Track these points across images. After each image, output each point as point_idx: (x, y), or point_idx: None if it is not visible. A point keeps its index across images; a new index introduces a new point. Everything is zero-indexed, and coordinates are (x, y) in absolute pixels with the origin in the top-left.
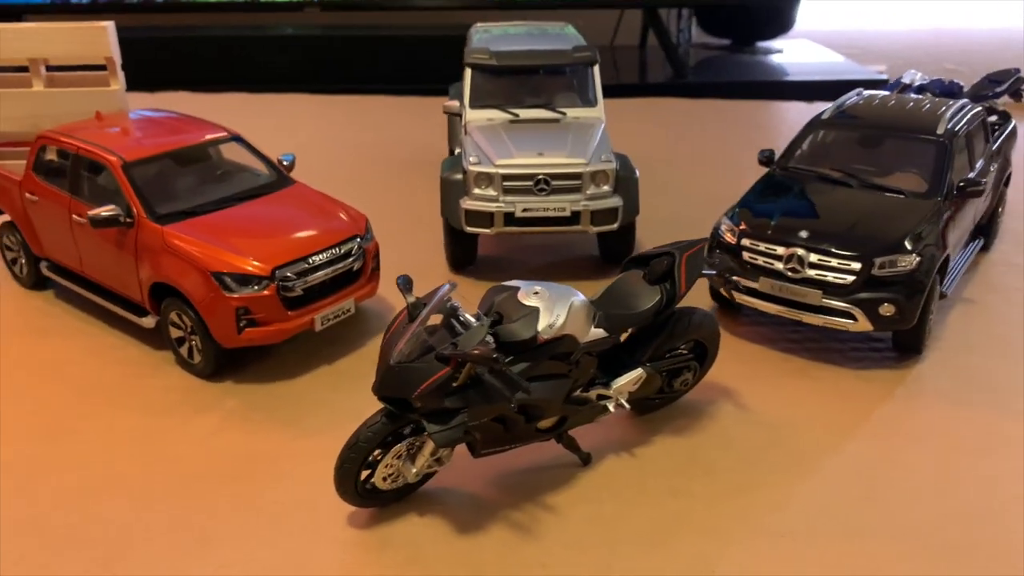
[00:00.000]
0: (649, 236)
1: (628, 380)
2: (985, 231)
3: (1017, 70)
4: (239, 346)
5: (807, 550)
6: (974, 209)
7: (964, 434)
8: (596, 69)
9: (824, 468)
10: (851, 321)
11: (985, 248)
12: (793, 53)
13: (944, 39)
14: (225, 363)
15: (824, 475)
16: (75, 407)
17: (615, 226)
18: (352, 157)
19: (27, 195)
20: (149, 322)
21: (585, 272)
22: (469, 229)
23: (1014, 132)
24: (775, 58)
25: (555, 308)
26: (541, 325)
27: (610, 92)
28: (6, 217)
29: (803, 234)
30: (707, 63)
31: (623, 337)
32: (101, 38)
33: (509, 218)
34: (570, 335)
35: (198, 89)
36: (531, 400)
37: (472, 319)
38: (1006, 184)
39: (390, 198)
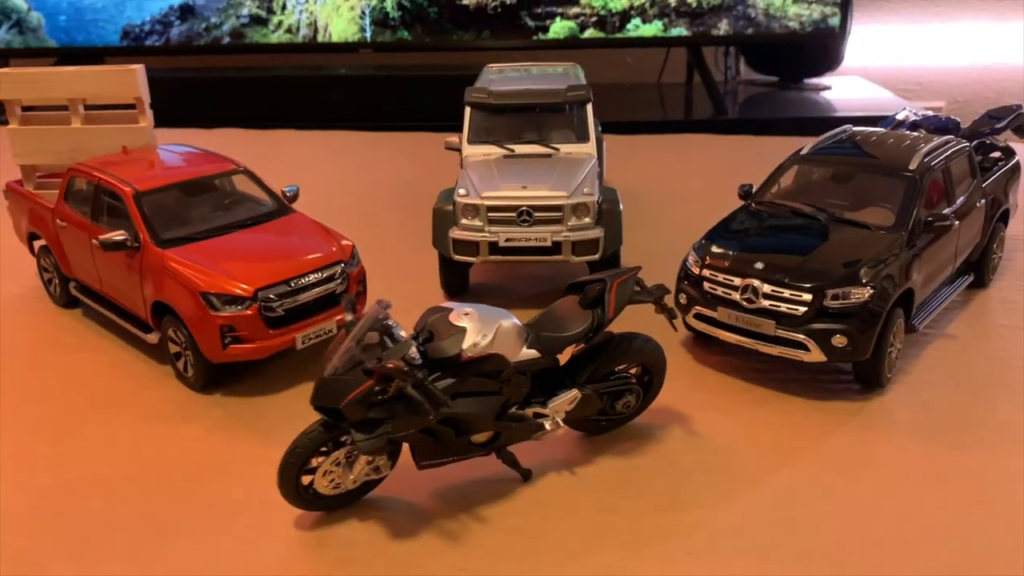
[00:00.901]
0: (658, 270)
1: (563, 400)
2: (976, 267)
3: (1019, 106)
4: (225, 361)
5: (713, 569)
6: (954, 245)
7: (907, 465)
8: (589, 108)
9: (754, 493)
10: (804, 352)
11: (980, 284)
12: (842, 89)
13: (1005, 74)
14: (215, 378)
15: (751, 499)
16: (81, 412)
17: (596, 256)
18: (390, 189)
19: (58, 221)
20: (153, 338)
21: (548, 299)
22: (457, 257)
23: (1016, 168)
24: (823, 95)
25: (483, 328)
26: (466, 344)
27: (655, 128)
28: (43, 242)
29: (759, 265)
30: (754, 100)
31: (563, 359)
32: (131, 79)
33: (494, 247)
34: (498, 354)
35: (251, 126)
36: (457, 414)
37: (404, 337)
38: (1003, 221)
39: (417, 231)
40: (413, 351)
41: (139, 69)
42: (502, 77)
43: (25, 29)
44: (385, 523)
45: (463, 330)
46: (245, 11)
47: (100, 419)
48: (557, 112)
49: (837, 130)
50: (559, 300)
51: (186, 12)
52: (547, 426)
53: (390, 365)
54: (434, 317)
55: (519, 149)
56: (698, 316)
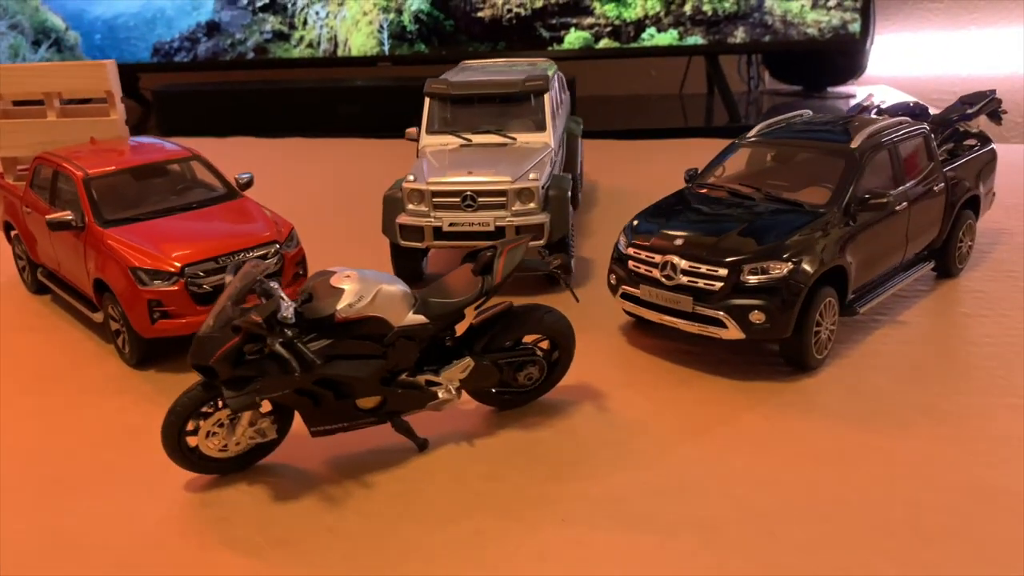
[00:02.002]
0: None
1: (456, 368)
2: (939, 255)
3: (992, 91)
4: (155, 336)
5: (581, 536)
6: (904, 228)
7: (814, 444)
8: (546, 97)
9: (645, 465)
10: (722, 328)
11: (948, 274)
12: (884, 102)
13: None
14: (150, 354)
15: (640, 472)
16: (22, 386)
17: (542, 242)
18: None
19: (24, 208)
20: (98, 316)
21: (529, 289)
22: (403, 243)
23: (991, 155)
24: (849, 102)
25: (361, 291)
26: (341, 304)
27: (676, 134)
28: (14, 232)
29: (678, 242)
30: (777, 109)
31: (461, 328)
32: (102, 74)
33: (438, 232)
34: (379, 317)
35: (270, 136)
36: (332, 375)
37: (282, 296)
38: (972, 207)
39: None
40: (289, 312)
41: (110, 64)
42: (469, 70)
43: (63, 47)
44: (270, 487)
45: (341, 291)
46: (268, 27)
47: (38, 392)
48: (515, 102)
49: (792, 113)
50: (455, 269)
51: (212, 29)
52: (440, 395)
53: (251, 318)
54: (318, 279)
55: (476, 139)
56: (624, 295)
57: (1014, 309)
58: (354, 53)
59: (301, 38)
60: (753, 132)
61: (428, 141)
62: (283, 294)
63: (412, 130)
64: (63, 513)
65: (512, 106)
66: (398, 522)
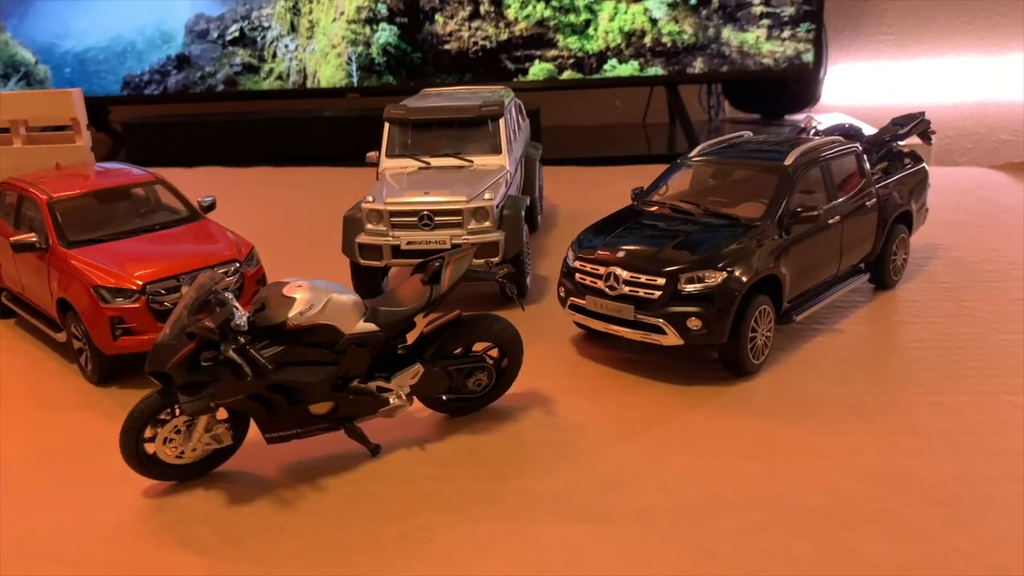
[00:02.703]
0: None
1: (407, 374)
2: (874, 267)
3: (922, 113)
4: (116, 352)
5: (521, 528)
6: (838, 241)
7: (750, 440)
8: (501, 122)
9: (588, 464)
10: (662, 335)
11: (883, 286)
12: (824, 124)
13: (994, 109)
14: (112, 372)
15: (581, 469)
16: None
17: (497, 259)
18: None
19: None
20: (61, 336)
21: (484, 303)
22: (363, 262)
23: (923, 174)
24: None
25: (312, 299)
26: (292, 312)
27: (640, 161)
28: None
29: (620, 254)
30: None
31: (412, 337)
32: (67, 101)
33: (396, 250)
34: (330, 325)
35: (239, 165)
36: (284, 381)
37: (235, 305)
38: (905, 223)
39: None
40: (242, 320)
41: (75, 92)
42: (428, 97)
43: (32, 81)
44: (225, 492)
45: (292, 300)
46: (238, 60)
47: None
48: (472, 127)
49: (734, 135)
50: (406, 279)
51: (182, 62)
52: (392, 400)
53: (205, 324)
54: (271, 289)
55: (435, 162)
56: (572, 307)
57: (943, 317)
58: (323, 85)
59: (271, 70)
60: (695, 151)
61: (388, 164)
62: (236, 303)
63: (372, 154)
64: (21, 520)
65: (469, 130)
66: (347, 520)
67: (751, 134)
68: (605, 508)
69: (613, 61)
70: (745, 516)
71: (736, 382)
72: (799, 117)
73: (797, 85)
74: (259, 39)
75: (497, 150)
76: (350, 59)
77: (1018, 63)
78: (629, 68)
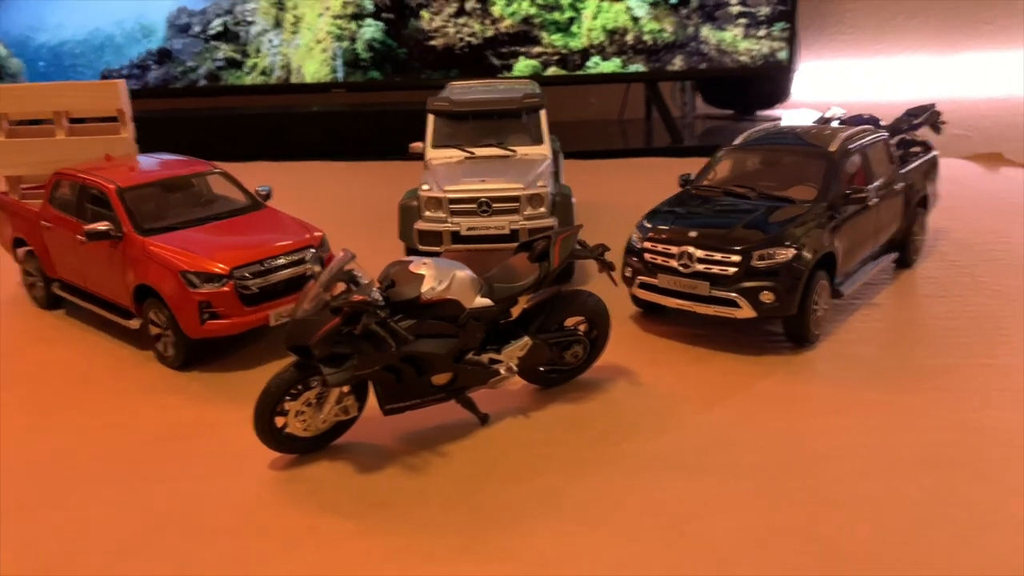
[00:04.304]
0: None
1: (516, 347)
2: (900, 247)
3: (933, 104)
4: (203, 336)
5: (647, 484)
6: (875, 221)
7: (824, 402)
8: (543, 113)
9: (687, 427)
10: (736, 308)
11: (906, 264)
12: (792, 120)
13: (946, 106)
14: (193, 356)
15: (684, 432)
16: (66, 391)
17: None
18: (363, 207)
19: (43, 223)
20: (135, 323)
21: None
22: (422, 248)
23: (934, 160)
24: (775, 124)
25: (439, 276)
26: (424, 288)
27: (616, 155)
28: (27, 248)
29: (692, 234)
30: (711, 131)
31: (515, 311)
32: (113, 92)
33: (456, 236)
34: (455, 300)
35: (225, 160)
36: (418, 352)
37: (367, 282)
38: (922, 206)
39: (386, 235)
40: (377, 296)
41: (120, 83)
42: (460, 90)
43: (4, 74)
44: (352, 462)
45: (421, 277)
46: (221, 55)
47: (84, 396)
48: (513, 118)
49: (768, 124)
50: (511, 257)
51: (163, 56)
52: (502, 371)
53: (356, 298)
54: (395, 268)
55: (479, 152)
56: (642, 285)
57: (965, 291)
58: (308, 80)
59: (254, 66)
60: (740, 140)
61: (433, 154)
62: (366, 281)
63: (417, 144)
64: (150, 500)
65: (510, 121)
66: (480, 483)
67: (781, 122)
68: (716, 465)
69: (596, 58)
70: (847, 465)
71: (799, 352)
72: (773, 113)
73: (769, 82)
74: (243, 34)
75: (539, 140)
76: (335, 54)
77: (968, 62)
78: (612, 65)
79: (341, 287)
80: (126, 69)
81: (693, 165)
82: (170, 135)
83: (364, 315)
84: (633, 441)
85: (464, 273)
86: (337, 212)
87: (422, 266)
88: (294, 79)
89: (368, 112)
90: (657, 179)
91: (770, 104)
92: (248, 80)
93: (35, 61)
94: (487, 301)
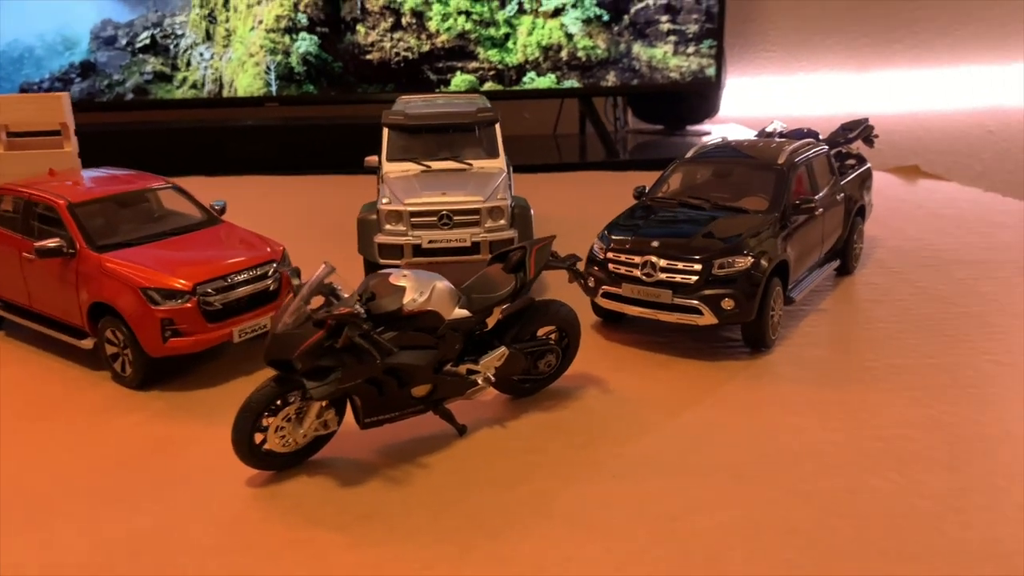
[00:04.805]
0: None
1: (493, 357)
2: (841, 255)
3: (866, 119)
4: (165, 355)
5: (633, 485)
6: (821, 230)
7: (790, 402)
8: (497, 127)
9: (662, 428)
10: (699, 315)
11: (847, 271)
12: (720, 135)
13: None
14: (152, 375)
15: (660, 433)
16: (18, 414)
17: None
18: (304, 222)
19: None
20: (88, 343)
21: None
22: (383, 261)
23: (868, 172)
24: (704, 139)
25: (420, 287)
26: (406, 299)
27: (552, 168)
28: None
29: (655, 244)
30: (643, 145)
31: (491, 322)
32: (56, 106)
33: (417, 249)
34: (434, 311)
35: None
36: (399, 364)
37: (347, 296)
38: (860, 216)
39: (334, 248)
40: (359, 308)
41: (64, 96)
42: (416, 104)
43: None
44: (333, 476)
45: (402, 289)
46: (149, 68)
47: (38, 418)
48: (468, 132)
49: (715, 139)
50: (485, 268)
51: (87, 69)
52: (479, 381)
53: (343, 311)
54: (375, 280)
55: (435, 165)
56: (606, 295)
57: (905, 296)
58: (240, 94)
59: (184, 79)
60: (691, 154)
61: (390, 168)
62: (346, 294)
63: (372, 158)
64: (125, 519)
65: (465, 135)
66: (464, 491)
67: (727, 137)
68: (694, 465)
69: (532, 74)
70: (815, 461)
71: (758, 356)
72: (702, 128)
73: (698, 98)
74: (172, 47)
75: (494, 154)
76: (269, 68)
77: (880, 79)
78: (547, 81)
79: (321, 300)
80: (47, 82)
81: (629, 179)
82: (98, 150)
83: (347, 327)
84: (611, 445)
85: (443, 284)
86: (283, 226)
87: (402, 278)
88: (226, 93)
89: (304, 126)
90: (596, 192)
91: (699, 119)
92: (179, 94)
93: None
94: (465, 312)
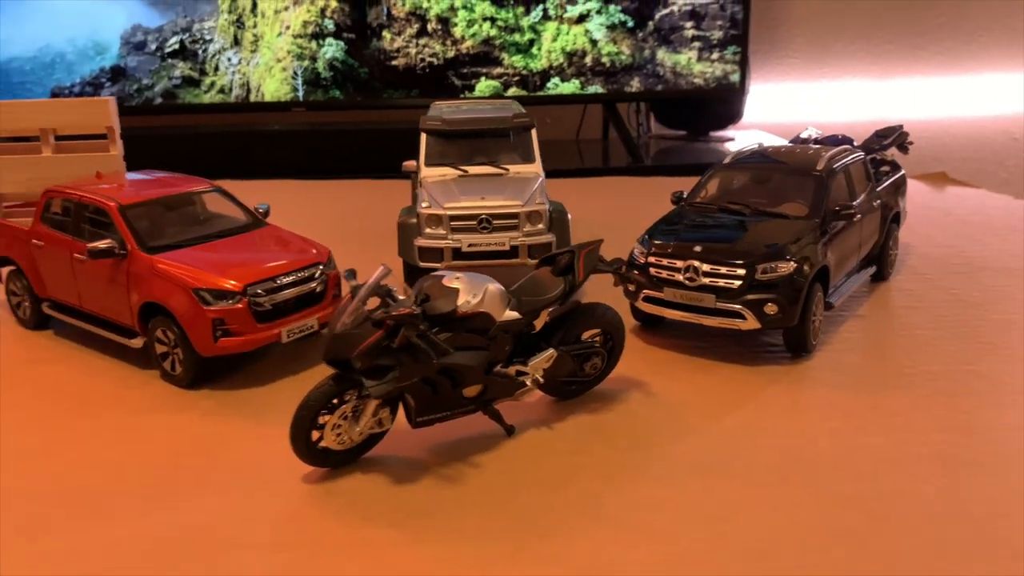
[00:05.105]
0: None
1: (542, 359)
2: (877, 261)
3: (901, 126)
4: (215, 354)
5: (680, 488)
6: (858, 235)
7: (829, 407)
8: (533, 132)
9: (705, 432)
10: (742, 320)
11: (882, 278)
12: (744, 141)
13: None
14: (202, 374)
15: (703, 436)
16: (70, 410)
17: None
18: (335, 226)
19: (34, 242)
20: (137, 342)
21: None
22: (423, 264)
23: (903, 179)
24: (727, 145)
25: (473, 289)
26: (460, 301)
27: (574, 174)
28: (9, 269)
29: (697, 248)
30: (664, 151)
31: (539, 324)
32: (103, 110)
33: (457, 252)
34: (487, 313)
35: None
36: (453, 364)
37: (403, 298)
38: (895, 222)
39: (367, 252)
40: (416, 309)
41: (111, 101)
42: (451, 110)
43: None
44: (386, 474)
45: (456, 291)
46: (177, 73)
47: (91, 415)
48: (504, 137)
49: (751, 144)
50: (533, 271)
51: (117, 74)
52: (528, 383)
53: (403, 311)
54: (428, 282)
55: (472, 170)
56: (647, 299)
57: (940, 303)
58: (267, 99)
59: (212, 84)
60: (728, 159)
61: (428, 172)
62: (402, 296)
63: (411, 163)
64: (181, 513)
65: (502, 140)
66: (515, 491)
67: (763, 143)
68: (740, 469)
69: (556, 79)
70: (859, 466)
71: (798, 361)
72: (725, 134)
73: (721, 104)
74: (200, 52)
75: (530, 159)
76: (295, 73)
77: (903, 87)
78: (571, 86)
79: (377, 301)
80: (77, 87)
81: (653, 184)
82: (127, 154)
83: (405, 327)
84: (656, 448)
85: (495, 287)
86: (313, 230)
87: (455, 280)
88: (253, 98)
89: (330, 131)
90: (621, 198)
91: (722, 125)
92: (206, 98)
93: None
94: (515, 314)
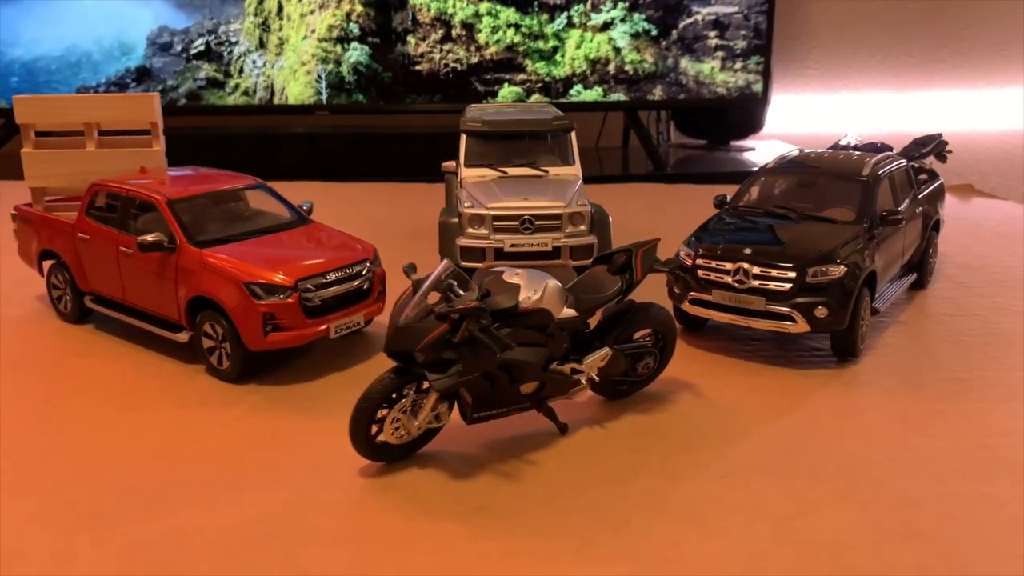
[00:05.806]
0: None
1: (597, 357)
2: (918, 268)
3: (940, 135)
4: (265, 349)
5: (744, 486)
6: (902, 241)
7: (882, 409)
8: (573, 135)
9: (760, 432)
10: (791, 323)
11: (922, 285)
12: (764, 151)
13: (900, 141)
14: (249, 368)
15: (759, 437)
16: (119, 403)
17: (590, 261)
18: (366, 228)
19: (79, 235)
20: (183, 337)
21: None
22: (464, 264)
23: (941, 187)
24: (748, 155)
25: (533, 286)
26: (521, 297)
27: (595, 181)
28: (51, 262)
29: (747, 251)
30: (684, 160)
31: (593, 323)
32: (148, 105)
33: (499, 253)
34: (546, 310)
35: None
36: (513, 359)
37: (463, 294)
38: (935, 229)
39: (398, 253)
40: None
41: (155, 97)
42: (492, 111)
43: None
44: (444, 469)
45: (517, 287)
46: (202, 74)
47: (141, 408)
48: (543, 139)
49: (791, 150)
50: (589, 270)
51: (143, 74)
52: (583, 381)
53: (469, 304)
54: (489, 278)
55: (511, 171)
56: (693, 301)
57: (982, 310)
58: (291, 102)
59: (236, 86)
60: (771, 164)
61: (468, 173)
62: (462, 292)
63: (450, 163)
64: (244, 504)
65: (540, 143)
66: (577, 488)
67: (804, 148)
68: (804, 467)
69: (579, 87)
70: (921, 468)
71: (846, 366)
72: (745, 143)
73: (743, 113)
74: (226, 54)
75: (569, 161)
76: (320, 77)
77: (923, 99)
78: (594, 94)
79: (438, 296)
80: (103, 86)
81: (674, 192)
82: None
83: (468, 321)
84: (712, 448)
85: (554, 284)
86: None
87: (515, 276)
88: (277, 100)
89: (353, 134)
90: (643, 204)
91: (743, 135)
92: (231, 100)
93: (7, 76)
94: (573, 312)
